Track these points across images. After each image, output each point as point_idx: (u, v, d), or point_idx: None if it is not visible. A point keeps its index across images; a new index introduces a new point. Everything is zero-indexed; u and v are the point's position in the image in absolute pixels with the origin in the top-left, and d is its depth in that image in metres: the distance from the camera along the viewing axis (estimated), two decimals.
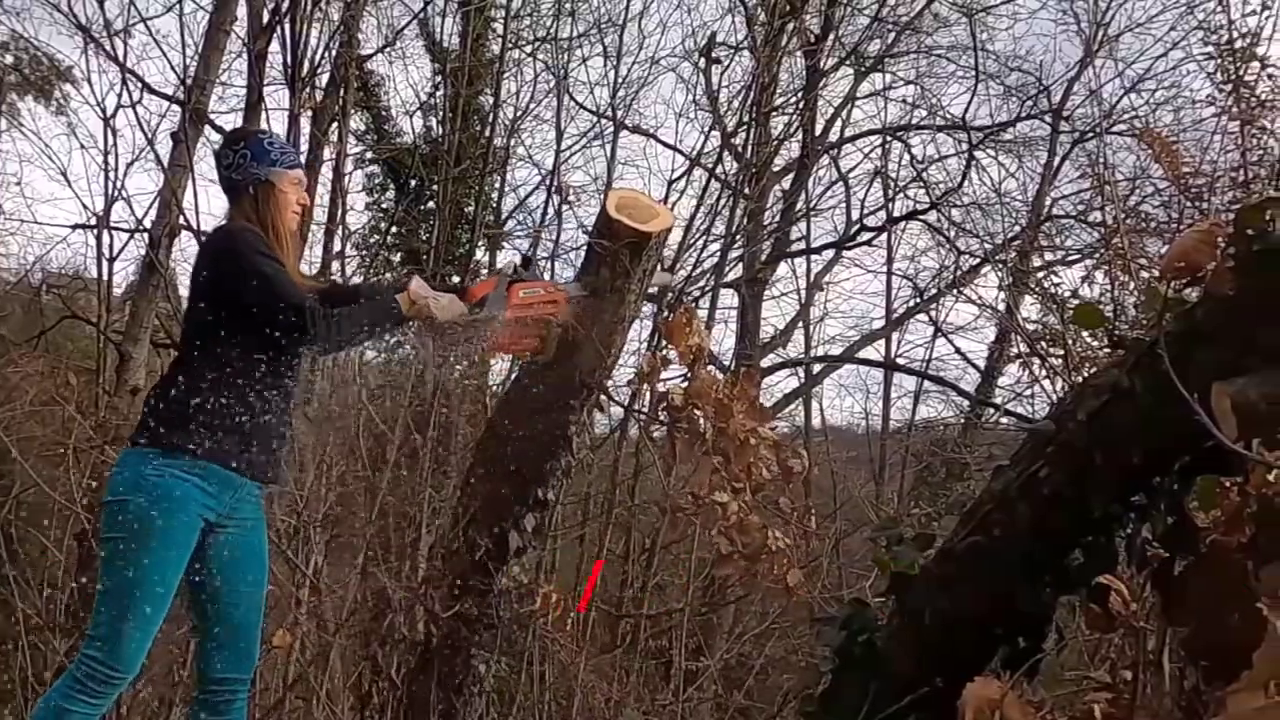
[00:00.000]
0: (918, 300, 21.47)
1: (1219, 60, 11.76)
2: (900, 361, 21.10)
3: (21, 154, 25.94)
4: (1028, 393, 17.74)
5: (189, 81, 10.85)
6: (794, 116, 17.94)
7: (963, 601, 3.56)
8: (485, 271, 16.97)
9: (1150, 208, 15.02)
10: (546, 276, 5.43)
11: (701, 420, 6.06)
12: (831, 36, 18.76)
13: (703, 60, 17.99)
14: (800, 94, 18.29)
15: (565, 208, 16.30)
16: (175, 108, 11.50)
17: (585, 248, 5.91)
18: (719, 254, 14.59)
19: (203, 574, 4.72)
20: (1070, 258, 19.56)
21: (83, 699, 4.45)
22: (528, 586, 6.76)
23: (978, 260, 19.77)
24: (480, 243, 17.22)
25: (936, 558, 3.80)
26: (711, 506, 6.07)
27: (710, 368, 6.33)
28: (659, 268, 6.12)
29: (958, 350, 21.81)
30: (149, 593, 4.49)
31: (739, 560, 6.28)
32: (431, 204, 16.69)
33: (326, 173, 13.05)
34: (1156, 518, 3.26)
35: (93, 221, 10.46)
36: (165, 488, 4.48)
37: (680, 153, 17.16)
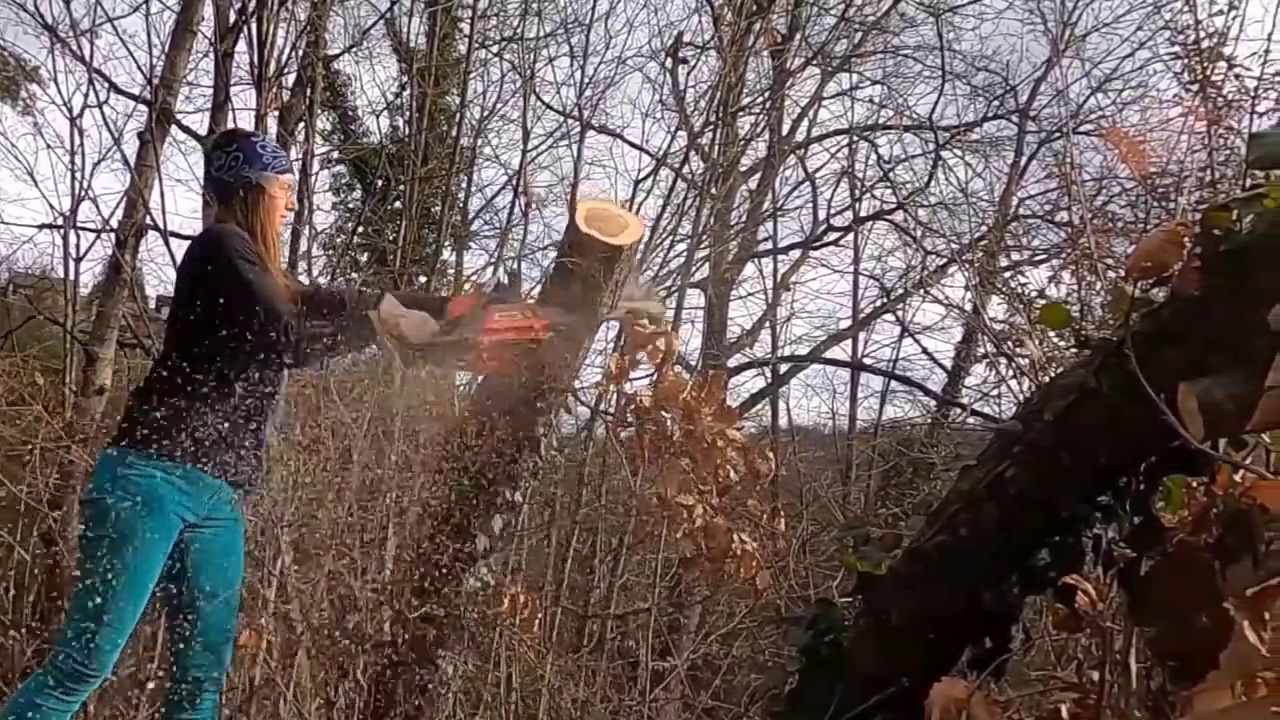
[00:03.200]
0: (884, 300, 21.57)
1: (1186, 60, 11.81)
2: (867, 361, 21.19)
3: None
4: (994, 393, 17.77)
5: (155, 82, 10.81)
6: (760, 116, 17.99)
7: (929, 601, 3.56)
8: (453, 273, 16.95)
9: (1117, 207, 15.13)
10: (530, 290, 5.31)
11: (669, 422, 6.06)
12: (798, 36, 18.79)
13: (669, 60, 18.01)
14: (767, 94, 18.32)
15: (531, 210, 16.29)
16: (142, 108, 11.49)
17: (555, 264, 5.88)
18: (685, 254, 14.63)
19: (178, 573, 4.73)
20: (1037, 257, 19.65)
21: (55, 697, 4.46)
22: (495, 588, 6.75)
23: (944, 260, 19.84)
24: (447, 243, 17.20)
25: (903, 558, 3.79)
26: (677, 510, 6.07)
27: (677, 368, 6.33)
28: (645, 292, 6.10)
29: (924, 350, 21.93)
30: (126, 592, 4.51)
31: (704, 563, 6.29)
32: (398, 204, 16.62)
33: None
34: (1123, 518, 3.26)
35: (59, 222, 10.43)
36: (144, 488, 4.49)
37: (646, 153, 17.22)
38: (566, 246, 5.63)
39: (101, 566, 4.51)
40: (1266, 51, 9.82)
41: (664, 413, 6.07)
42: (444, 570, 6.20)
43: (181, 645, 4.85)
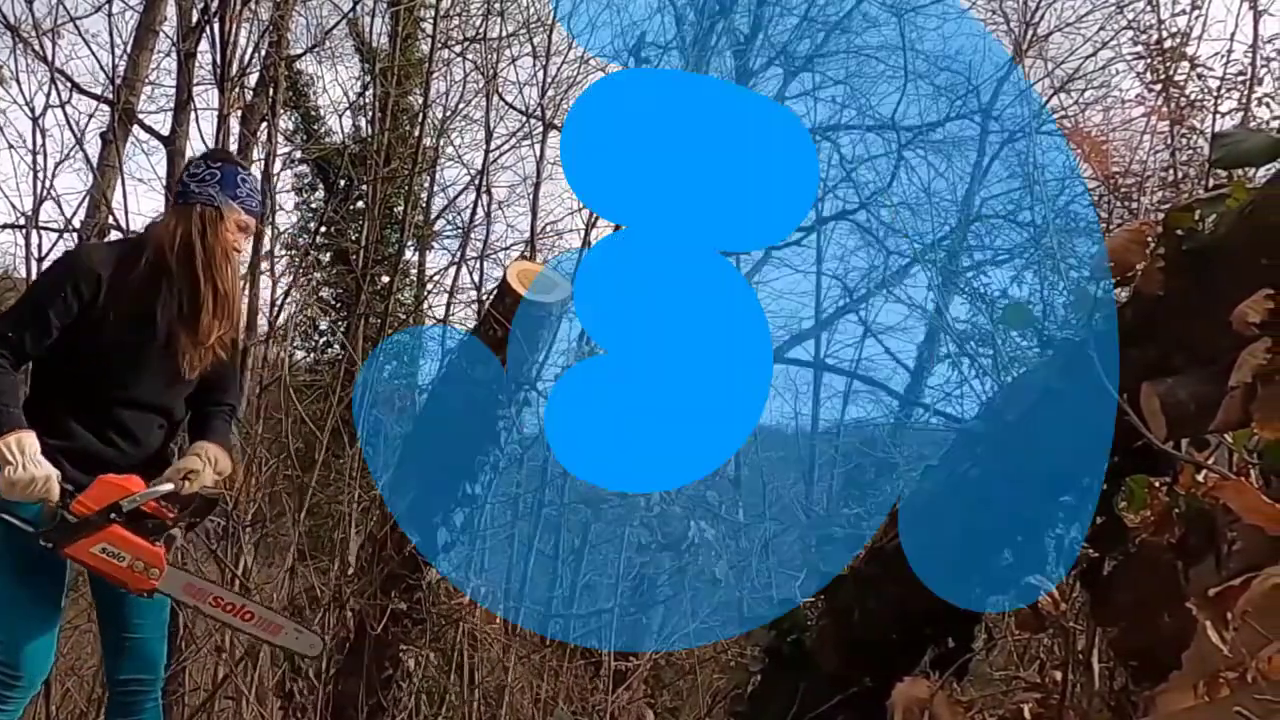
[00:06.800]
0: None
1: (1148, 60, 11.84)
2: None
3: None
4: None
5: (118, 81, 10.77)
6: None
7: (892, 601, 3.56)
8: (415, 272, 16.87)
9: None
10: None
11: None
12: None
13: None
14: None
15: (495, 208, 16.29)
16: (104, 108, 11.44)
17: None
18: None
19: (97, 581, 4.68)
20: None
21: None
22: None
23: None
24: (409, 242, 17.18)
25: (866, 558, 3.80)
26: (634, 497, 6.09)
27: None
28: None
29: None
30: (27, 600, 4.51)
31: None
32: (361, 203, 16.58)
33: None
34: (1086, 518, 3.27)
35: (21, 221, 10.36)
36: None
37: None
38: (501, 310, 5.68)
39: (4, 576, 4.51)
40: (1229, 51, 9.86)
41: None
42: (406, 564, 6.21)
43: (111, 649, 4.81)
